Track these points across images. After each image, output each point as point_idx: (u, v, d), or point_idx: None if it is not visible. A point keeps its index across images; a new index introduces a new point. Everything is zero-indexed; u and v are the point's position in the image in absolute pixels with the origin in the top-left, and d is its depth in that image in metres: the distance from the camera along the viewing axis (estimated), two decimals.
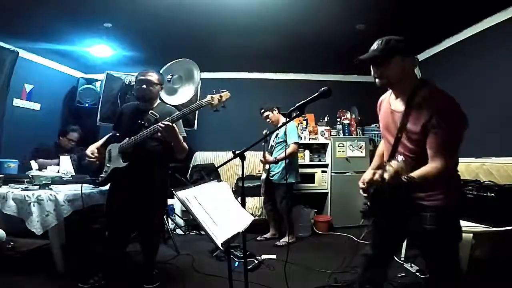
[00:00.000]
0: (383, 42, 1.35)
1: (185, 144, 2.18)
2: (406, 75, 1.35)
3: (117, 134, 2.30)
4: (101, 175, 2.31)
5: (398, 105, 1.39)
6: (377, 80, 1.38)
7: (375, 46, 1.38)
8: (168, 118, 2.03)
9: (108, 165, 2.26)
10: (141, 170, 2.17)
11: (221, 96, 1.98)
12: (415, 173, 1.23)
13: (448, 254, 1.33)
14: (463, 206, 1.38)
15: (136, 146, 2.14)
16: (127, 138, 2.16)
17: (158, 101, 2.35)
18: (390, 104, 1.45)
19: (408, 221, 1.39)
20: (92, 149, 2.31)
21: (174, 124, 2.02)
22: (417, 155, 1.31)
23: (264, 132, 3.42)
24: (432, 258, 1.41)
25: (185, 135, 2.25)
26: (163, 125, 1.98)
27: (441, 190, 1.31)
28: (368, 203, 1.40)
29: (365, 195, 1.40)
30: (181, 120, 2.23)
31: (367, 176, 1.37)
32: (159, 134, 2.07)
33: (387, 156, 1.43)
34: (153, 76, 2.24)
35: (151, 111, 2.20)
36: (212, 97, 1.97)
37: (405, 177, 1.17)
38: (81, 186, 2.32)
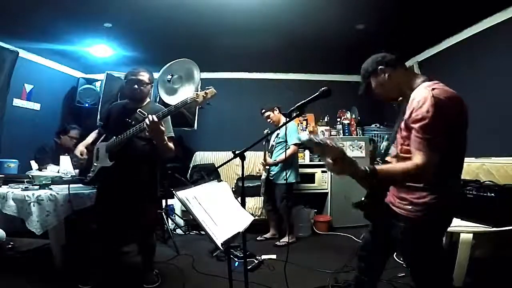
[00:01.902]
0: (364, 69, 1.41)
1: (171, 144, 2.12)
2: (402, 84, 1.35)
3: (102, 131, 2.30)
4: (89, 175, 2.29)
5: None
6: (382, 99, 1.41)
7: (361, 76, 1.44)
8: (154, 115, 1.96)
9: (95, 164, 2.24)
10: (127, 170, 2.13)
11: (206, 93, 1.92)
12: (381, 166, 1.24)
13: (423, 265, 1.27)
14: (451, 213, 1.33)
15: (123, 145, 2.10)
16: (114, 137, 2.14)
17: (148, 99, 2.30)
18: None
19: (388, 225, 1.37)
20: (81, 149, 2.31)
21: (160, 122, 1.96)
22: (407, 154, 1.29)
23: (266, 131, 3.43)
24: (410, 266, 1.39)
25: (173, 135, 2.21)
26: (150, 119, 1.92)
27: (410, 199, 1.25)
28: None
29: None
30: (170, 120, 2.20)
31: None
32: (146, 133, 2.02)
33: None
34: (144, 76, 2.19)
35: (139, 109, 2.15)
36: (197, 94, 1.92)
37: (366, 167, 1.13)
38: (68, 186, 2.31)
